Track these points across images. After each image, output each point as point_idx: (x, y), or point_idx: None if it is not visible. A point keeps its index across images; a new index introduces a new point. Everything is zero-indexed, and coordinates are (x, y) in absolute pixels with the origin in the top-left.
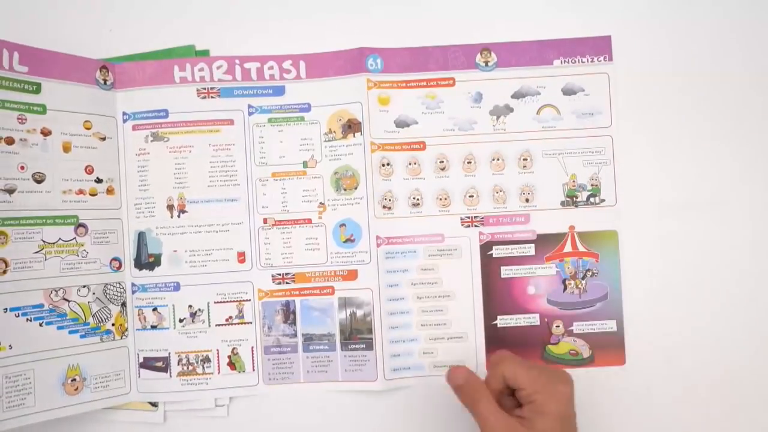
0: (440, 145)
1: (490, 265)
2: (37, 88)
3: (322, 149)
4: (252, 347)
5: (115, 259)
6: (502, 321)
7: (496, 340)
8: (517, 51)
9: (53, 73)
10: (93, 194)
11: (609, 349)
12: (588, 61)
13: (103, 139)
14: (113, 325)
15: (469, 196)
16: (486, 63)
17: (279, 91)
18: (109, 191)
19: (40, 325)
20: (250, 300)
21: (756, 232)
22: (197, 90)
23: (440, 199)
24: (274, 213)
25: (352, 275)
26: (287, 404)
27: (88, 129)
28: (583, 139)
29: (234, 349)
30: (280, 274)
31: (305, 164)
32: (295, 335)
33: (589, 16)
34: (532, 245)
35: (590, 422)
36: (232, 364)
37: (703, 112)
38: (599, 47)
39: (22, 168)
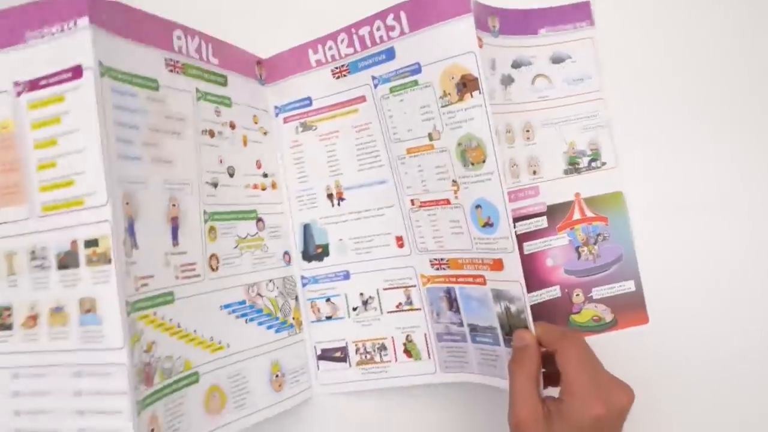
0: None
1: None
2: (224, 81)
3: (441, 117)
4: (425, 334)
5: (286, 252)
6: (530, 299)
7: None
8: (510, 19)
9: (234, 67)
10: (263, 189)
11: (630, 309)
12: (571, 28)
13: (266, 133)
14: (294, 319)
15: None
16: (494, 27)
17: (390, 54)
18: (274, 185)
19: (246, 321)
20: (415, 286)
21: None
22: (331, 71)
23: None
24: (417, 194)
25: (498, 265)
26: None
27: (256, 123)
28: (577, 106)
29: (408, 336)
30: (436, 259)
31: (430, 136)
32: (461, 324)
33: None
34: (544, 217)
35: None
36: (407, 352)
37: (691, 64)
38: (580, 13)
39: (221, 161)
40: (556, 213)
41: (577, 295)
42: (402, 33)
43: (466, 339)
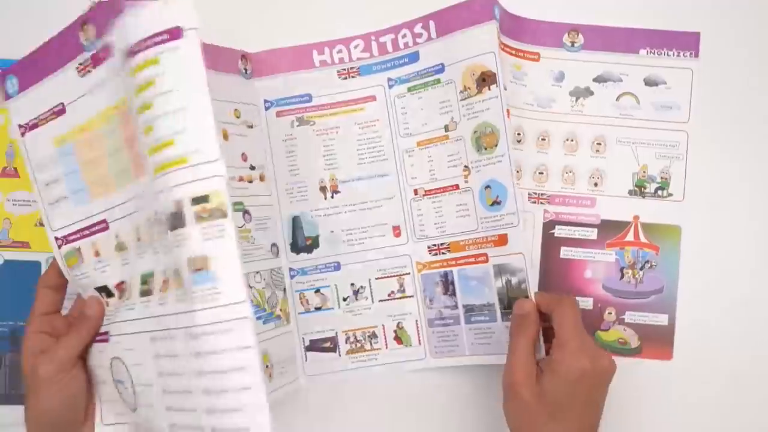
0: (519, 118)
1: (550, 244)
2: None
3: (459, 109)
4: (416, 320)
5: (274, 244)
6: None
7: (548, 319)
8: (604, 35)
9: (206, 64)
10: (249, 181)
11: (658, 342)
12: (674, 55)
13: (251, 126)
14: (281, 310)
15: (539, 173)
16: (572, 43)
17: (413, 57)
18: (262, 178)
19: None
20: (409, 273)
21: None
22: (338, 71)
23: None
24: (423, 183)
25: (502, 240)
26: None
27: (238, 117)
28: (659, 132)
29: (399, 323)
30: (435, 245)
31: (446, 128)
32: (456, 307)
33: (678, 10)
34: (595, 230)
35: (633, 412)
36: (398, 339)
37: None
38: (687, 42)
39: None
40: (608, 229)
41: (609, 313)
42: (429, 39)
43: (460, 322)
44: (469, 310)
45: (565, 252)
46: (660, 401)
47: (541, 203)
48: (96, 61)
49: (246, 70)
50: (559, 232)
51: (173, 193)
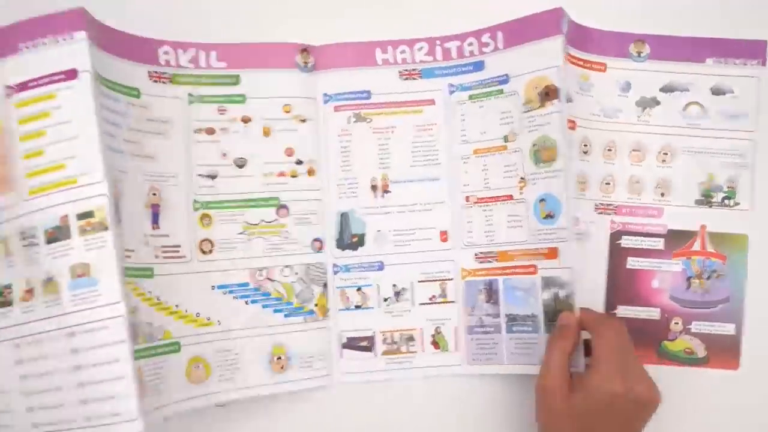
0: (586, 128)
1: (617, 254)
2: (236, 80)
3: (520, 121)
4: (455, 327)
5: (317, 239)
6: (623, 311)
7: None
8: (670, 45)
9: (251, 64)
10: (293, 176)
11: (725, 352)
12: (740, 64)
13: (303, 121)
14: (316, 305)
15: (606, 183)
16: (639, 53)
17: (479, 66)
18: (310, 172)
19: (246, 303)
20: (452, 279)
21: None
22: (399, 72)
23: (579, 182)
24: (476, 191)
25: (553, 253)
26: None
27: (288, 112)
28: (726, 141)
29: (437, 328)
30: (482, 253)
31: (506, 138)
32: (498, 315)
33: (745, 19)
34: (662, 239)
35: (699, 422)
36: (435, 343)
37: None
38: (753, 51)
39: (224, 155)
40: (675, 239)
41: (676, 323)
42: (496, 49)
43: (500, 330)
44: (512, 319)
45: (632, 262)
46: (726, 411)
47: (608, 214)
48: None
49: (306, 63)
50: (626, 242)
51: (59, 210)
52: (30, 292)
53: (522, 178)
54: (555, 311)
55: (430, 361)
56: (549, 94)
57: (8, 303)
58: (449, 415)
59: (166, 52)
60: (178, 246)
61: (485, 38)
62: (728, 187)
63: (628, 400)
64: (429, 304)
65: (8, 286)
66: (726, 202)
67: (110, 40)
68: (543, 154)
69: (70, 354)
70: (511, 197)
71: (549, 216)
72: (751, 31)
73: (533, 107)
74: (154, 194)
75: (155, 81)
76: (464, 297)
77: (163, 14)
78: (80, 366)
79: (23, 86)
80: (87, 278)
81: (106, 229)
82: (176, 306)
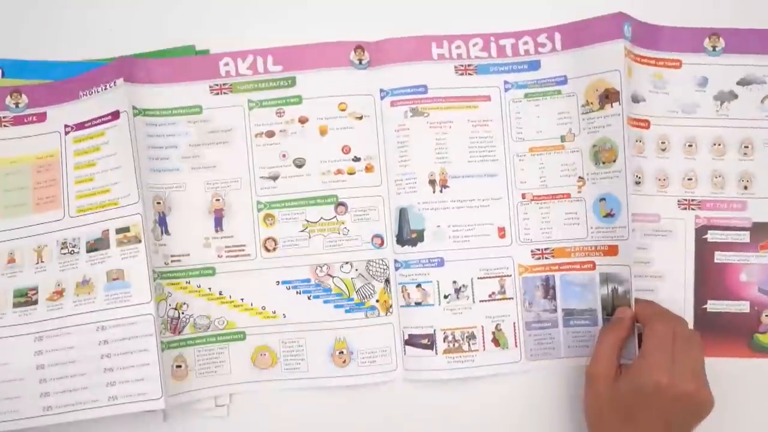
0: (663, 126)
1: (703, 250)
2: (291, 82)
3: (579, 122)
4: (514, 323)
5: (377, 236)
6: (713, 306)
7: (704, 323)
8: (745, 38)
9: (306, 65)
10: (351, 173)
11: None
12: None
13: (360, 118)
14: (377, 301)
15: (688, 179)
16: (714, 48)
17: (534, 65)
18: (368, 169)
19: (308, 298)
20: (510, 275)
21: None
22: (455, 67)
23: (659, 179)
24: (532, 188)
25: (612, 251)
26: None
27: (343, 110)
28: None
29: (498, 325)
30: (539, 249)
31: (563, 138)
32: (555, 310)
33: None
34: (747, 232)
35: None
36: (496, 341)
37: None
38: None
39: (284, 156)
40: (760, 231)
41: (767, 315)
42: (553, 50)
43: (557, 324)
44: (569, 314)
45: (719, 257)
46: None
47: (692, 209)
48: (18, 121)
49: (360, 60)
50: (712, 237)
51: (102, 225)
52: (59, 292)
53: (581, 177)
54: (613, 306)
55: (491, 359)
56: (609, 96)
57: (33, 302)
58: (512, 410)
59: (226, 64)
60: (243, 245)
61: (542, 38)
62: None
63: (673, 396)
64: (489, 300)
65: (34, 288)
66: None
67: (166, 72)
68: (603, 155)
69: (99, 345)
70: (568, 195)
71: (609, 215)
72: None
73: (593, 109)
74: (217, 200)
75: (216, 93)
76: (522, 293)
77: (222, 30)
78: (109, 354)
79: (80, 126)
80: (121, 281)
81: (139, 241)
82: (241, 299)
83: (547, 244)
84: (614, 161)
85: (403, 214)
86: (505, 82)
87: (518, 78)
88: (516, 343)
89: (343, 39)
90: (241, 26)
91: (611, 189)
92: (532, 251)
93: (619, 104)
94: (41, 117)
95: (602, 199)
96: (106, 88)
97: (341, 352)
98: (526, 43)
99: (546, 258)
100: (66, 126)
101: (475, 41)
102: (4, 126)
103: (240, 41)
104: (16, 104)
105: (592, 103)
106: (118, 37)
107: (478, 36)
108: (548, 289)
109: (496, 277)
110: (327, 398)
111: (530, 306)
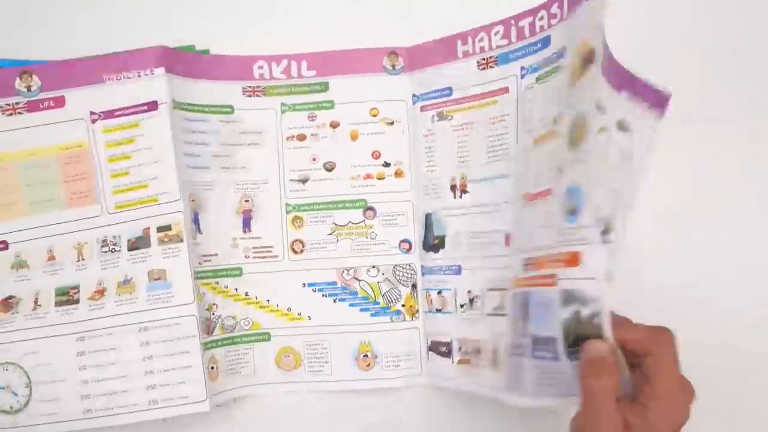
0: None
1: None
2: (324, 87)
3: (566, 99)
4: (504, 344)
5: (404, 240)
6: None
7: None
8: None
9: (340, 70)
10: (380, 178)
11: None
12: None
13: (391, 123)
14: (403, 306)
15: None
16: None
17: (545, 42)
18: (398, 174)
19: (334, 301)
20: (506, 288)
21: None
22: (477, 62)
23: None
24: (529, 186)
25: (573, 260)
26: None
27: (375, 116)
28: None
29: (496, 342)
30: (528, 259)
31: (554, 122)
32: (526, 335)
33: None
34: None
35: None
36: (494, 359)
37: None
38: None
39: (314, 159)
40: None
41: None
42: (561, 19)
43: (527, 353)
44: (536, 341)
45: None
46: None
47: None
48: (33, 107)
49: (393, 66)
50: None
51: (142, 223)
52: (101, 291)
53: (559, 168)
54: (575, 335)
55: (488, 379)
56: (588, 59)
57: (75, 301)
58: None
59: (260, 67)
60: (271, 247)
61: (554, 8)
62: None
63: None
64: (493, 315)
65: (75, 287)
66: None
67: (202, 67)
68: (577, 134)
69: (141, 347)
70: (549, 192)
71: (572, 212)
72: None
73: (573, 80)
74: (246, 201)
75: (249, 95)
76: (511, 311)
77: (258, 33)
78: (151, 356)
79: (109, 114)
80: (163, 281)
81: (181, 240)
82: (267, 300)
83: (531, 253)
84: (582, 141)
85: (428, 219)
86: (522, 68)
87: (533, 61)
88: (501, 367)
89: (341, 36)
90: (241, 26)
91: (576, 177)
92: (523, 261)
93: (594, 64)
94: (59, 101)
95: (570, 191)
96: (140, 76)
97: (366, 355)
98: (541, 18)
99: (529, 270)
100: (92, 114)
101: (496, 29)
102: (18, 113)
103: (240, 41)
104: (28, 87)
105: (576, 72)
106: (118, 37)
107: (499, 23)
108: (526, 308)
109: (498, 290)
110: (349, 401)
111: (515, 327)
